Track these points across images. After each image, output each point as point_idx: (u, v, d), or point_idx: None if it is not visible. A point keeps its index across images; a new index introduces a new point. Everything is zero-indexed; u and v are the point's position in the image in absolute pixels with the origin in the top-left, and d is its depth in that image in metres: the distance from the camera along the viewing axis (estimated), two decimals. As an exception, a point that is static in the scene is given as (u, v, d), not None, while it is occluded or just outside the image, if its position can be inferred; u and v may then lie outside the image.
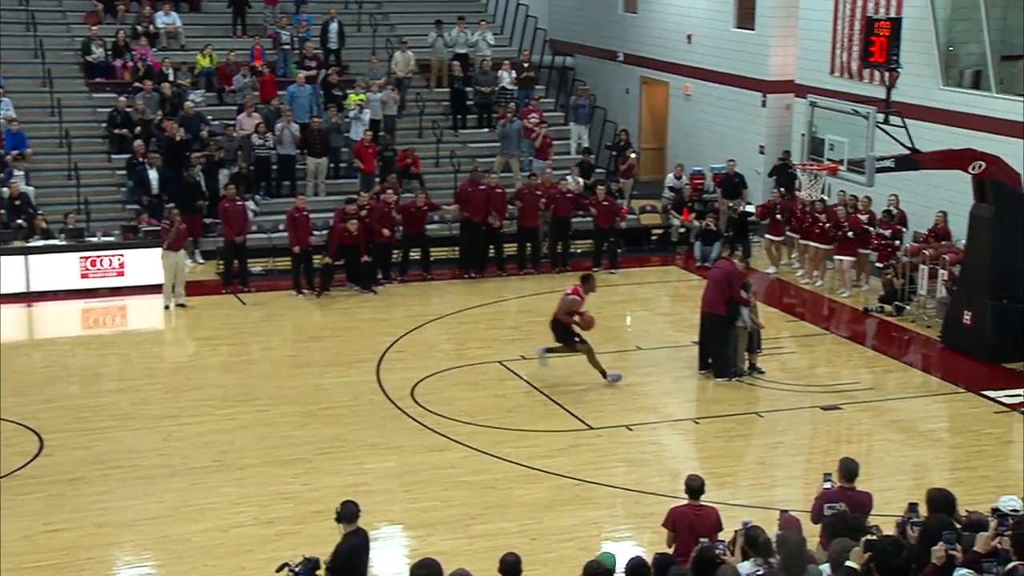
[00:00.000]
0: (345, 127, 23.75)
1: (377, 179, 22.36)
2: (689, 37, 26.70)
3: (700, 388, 16.23)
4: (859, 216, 20.33)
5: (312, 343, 17.89)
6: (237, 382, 16.14)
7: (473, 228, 21.18)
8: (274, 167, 23.14)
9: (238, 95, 24.22)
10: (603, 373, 15.99)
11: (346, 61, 26.39)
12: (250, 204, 21.58)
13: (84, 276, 19.89)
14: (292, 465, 13.38)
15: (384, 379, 16.13)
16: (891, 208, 20.22)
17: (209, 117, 23.75)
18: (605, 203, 21.82)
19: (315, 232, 20.46)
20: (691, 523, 9.56)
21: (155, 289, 19.47)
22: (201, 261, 21.52)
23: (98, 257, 20.02)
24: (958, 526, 8.26)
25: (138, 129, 22.77)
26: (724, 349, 16.14)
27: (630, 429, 14.52)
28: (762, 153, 24.72)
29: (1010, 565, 6.73)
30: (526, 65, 26.47)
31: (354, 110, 23.58)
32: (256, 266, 21.02)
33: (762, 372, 16.37)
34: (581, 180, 23.17)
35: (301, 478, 13.06)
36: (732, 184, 23.65)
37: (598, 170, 25.24)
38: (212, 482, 12.93)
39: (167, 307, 19.14)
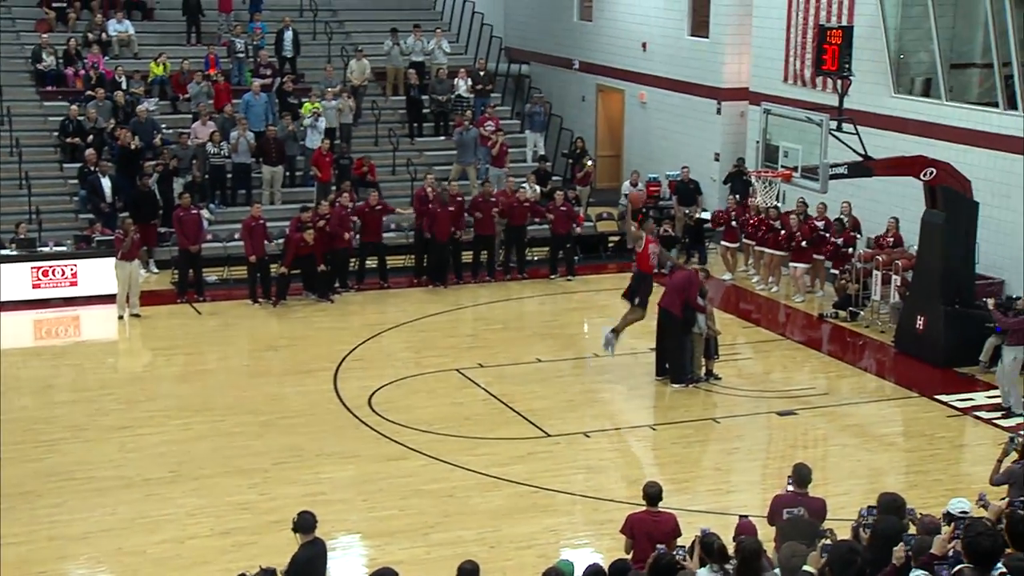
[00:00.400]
0: (301, 135, 23.68)
1: (333, 187, 22.29)
2: (644, 45, 26.84)
3: (657, 395, 16.30)
4: (815, 222, 20.51)
5: (269, 352, 17.81)
6: (193, 392, 16.03)
7: (432, 241, 21.21)
8: (229, 176, 23.02)
9: (192, 103, 24.10)
10: (616, 334, 16.32)
11: (301, 69, 26.31)
12: (205, 213, 21.45)
13: (36, 286, 19.69)
14: (249, 475, 13.30)
15: (341, 388, 16.09)
16: (843, 216, 20.41)
17: (163, 126, 23.59)
18: (563, 208, 21.91)
19: (272, 241, 20.37)
20: (649, 529, 9.60)
21: (109, 299, 19.31)
22: (155, 271, 21.37)
23: (50, 267, 19.84)
24: (912, 529, 8.36)
25: (90, 138, 22.58)
26: (682, 355, 16.22)
27: (588, 436, 14.56)
28: (717, 160, 24.88)
29: (956, 568, 6.82)
30: (482, 73, 26.49)
31: (309, 118, 23.51)
32: (211, 275, 20.90)
33: (719, 378, 16.47)
34: (538, 188, 23.23)
35: (258, 488, 12.99)
36: (687, 191, 23.82)
37: (555, 178, 25.33)
38: (168, 493, 12.83)
39: (121, 317, 18.99)
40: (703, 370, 16.41)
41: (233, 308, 19.70)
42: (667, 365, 16.42)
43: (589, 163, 25.33)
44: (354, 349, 17.71)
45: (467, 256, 21.62)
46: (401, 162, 24.69)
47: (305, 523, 9.14)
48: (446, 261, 21.18)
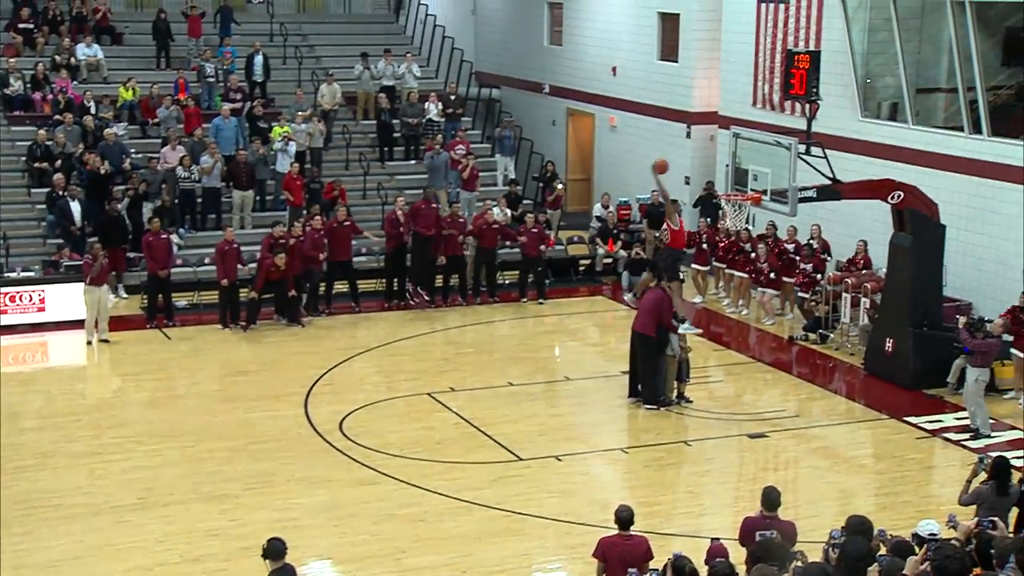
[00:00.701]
0: (271, 159, 23.66)
1: (305, 211, 22.26)
2: (614, 69, 27.01)
3: (629, 417, 16.33)
4: (785, 245, 20.63)
5: (239, 377, 17.74)
6: (162, 418, 15.94)
7: (420, 251, 21.29)
8: (199, 200, 22.97)
9: (162, 128, 24.04)
10: (682, 321, 16.61)
11: (271, 94, 26.31)
12: (174, 238, 21.38)
13: (3, 312, 19.55)
14: (219, 501, 13.23)
15: (312, 413, 16.04)
16: (812, 241, 20.55)
17: (132, 150, 23.52)
18: (534, 230, 21.96)
19: (245, 265, 20.26)
20: (621, 553, 9.61)
21: (77, 325, 19.19)
22: (125, 296, 21.26)
23: (18, 293, 19.71)
24: (883, 550, 8.41)
25: (59, 163, 22.49)
26: (654, 377, 16.27)
27: (559, 459, 14.56)
28: (687, 184, 25.02)
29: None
30: (453, 97, 26.58)
31: (280, 142, 23.51)
32: (181, 300, 20.81)
33: (690, 401, 16.52)
34: (508, 211, 23.28)
35: (228, 514, 12.92)
36: (657, 214, 23.83)
37: (525, 201, 25.38)
38: (136, 520, 12.74)
39: (89, 343, 18.87)
40: (675, 393, 16.46)
41: (203, 333, 19.61)
42: (640, 387, 16.46)
43: (559, 186, 25.42)
44: (325, 374, 17.66)
45: (437, 280, 21.59)
46: (372, 186, 24.70)
47: (274, 550, 9.10)
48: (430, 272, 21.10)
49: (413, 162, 25.83)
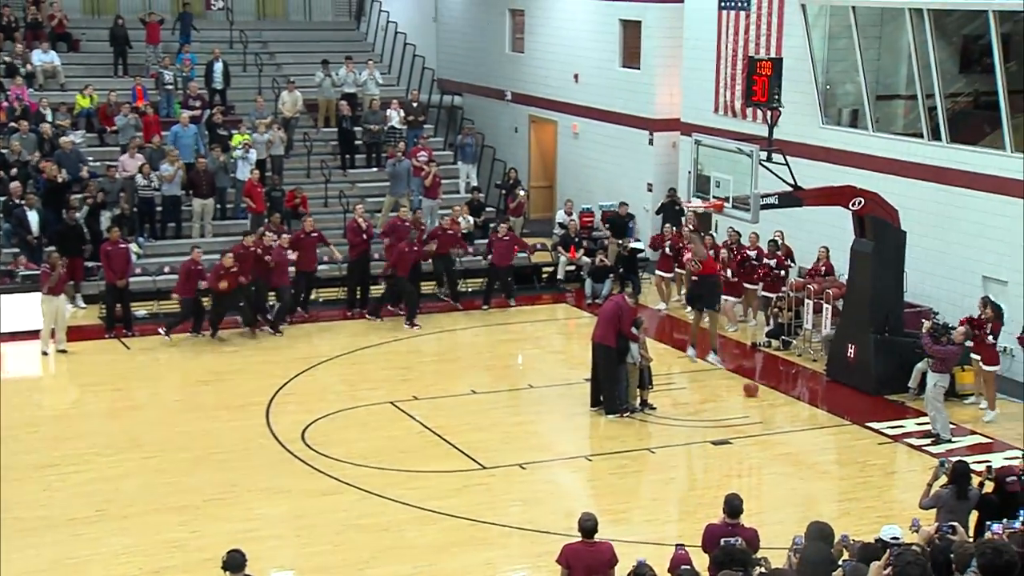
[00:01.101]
0: (231, 167, 23.55)
1: (266, 219, 22.14)
2: (576, 76, 27.08)
3: (593, 425, 16.36)
4: (747, 252, 20.73)
5: (199, 387, 17.62)
6: (121, 429, 15.82)
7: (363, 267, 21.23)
8: (158, 208, 22.82)
9: (120, 136, 23.87)
10: (716, 352, 17.24)
11: (232, 101, 26.19)
12: (133, 247, 21.23)
13: (-41, 322, 19.34)
14: (180, 512, 13.14)
15: (274, 422, 15.96)
16: (776, 239, 20.66)
17: (90, 158, 23.34)
18: (506, 238, 21.92)
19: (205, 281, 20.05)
20: (585, 560, 9.62)
21: (34, 335, 19.01)
22: (83, 305, 21.07)
23: (-27, 302, 19.49)
24: (845, 555, 8.47)
25: (15, 171, 22.27)
26: (615, 385, 16.31)
27: (523, 468, 14.57)
28: (650, 191, 25.11)
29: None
30: (414, 104, 26.56)
31: (240, 150, 23.41)
32: (140, 310, 20.67)
33: (653, 408, 16.57)
34: (471, 219, 23.27)
35: (189, 525, 12.83)
36: (621, 222, 23.91)
37: (488, 209, 25.40)
38: (95, 533, 12.62)
39: (45, 353, 18.70)
40: (638, 400, 16.50)
41: (163, 343, 19.48)
42: (602, 396, 16.49)
43: (522, 194, 25.45)
44: (287, 383, 17.59)
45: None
46: (333, 194, 24.63)
47: (234, 562, 9.05)
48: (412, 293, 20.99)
49: (375, 169, 25.77)
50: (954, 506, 10.47)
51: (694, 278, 17.64)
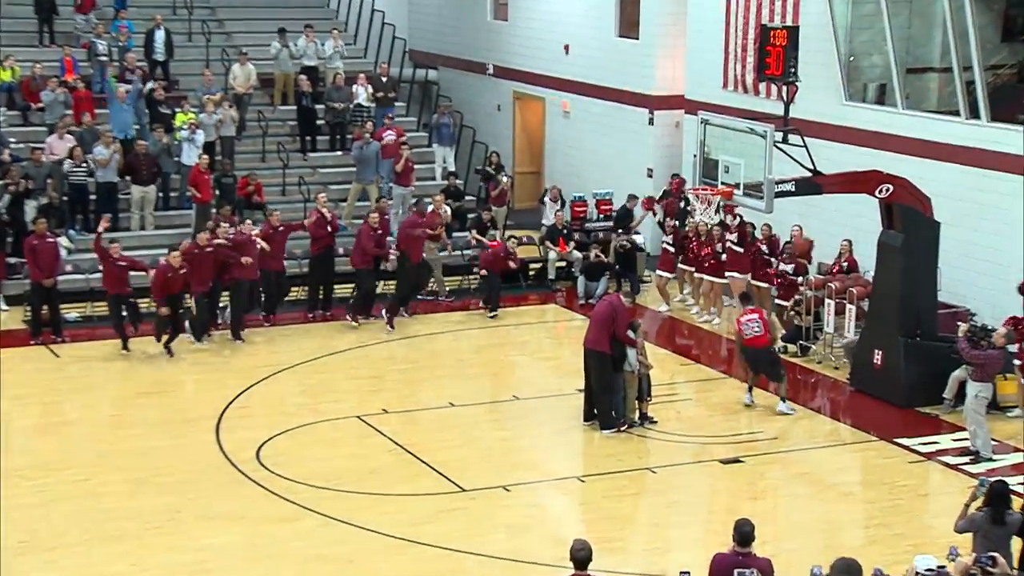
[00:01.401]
0: (175, 150, 23.49)
1: (213, 210, 22.12)
2: (567, 48, 27.09)
3: (586, 441, 16.35)
4: (760, 245, 20.73)
5: (140, 400, 17.56)
6: (50, 447, 15.76)
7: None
8: (92, 197, 22.74)
9: (47, 114, 23.77)
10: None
11: (175, 75, 26.14)
12: (63, 241, 21.16)
13: None
14: (118, 542, 13.09)
15: (225, 440, 15.93)
16: (792, 241, 20.62)
17: (12, 140, 23.25)
18: (493, 246, 21.92)
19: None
20: (579, 596, 9.60)
21: (-49, 341, 18.97)
22: (5, 307, 21.00)
23: None
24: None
25: (-72, 155, 22.21)
26: (611, 396, 16.31)
27: (507, 490, 14.57)
28: (650, 176, 25.13)
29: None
30: (384, 79, 26.54)
31: (185, 131, 23.35)
32: (71, 312, 20.59)
33: (654, 422, 16.58)
34: (448, 208, 23.24)
35: (128, 557, 12.79)
36: (629, 217, 23.66)
37: (467, 198, 25.40)
38: (18, 567, 12.56)
39: (-35, 361, 18.63)
40: (636, 413, 16.51)
41: (97, 349, 19.41)
42: (596, 409, 16.49)
43: (505, 180, 25.46)
44: (240, 395, 17.55)
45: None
46: (292, 181, 24.60)
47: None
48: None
49: (339, 153, 25.75)
50: (989, 531, 10.49)
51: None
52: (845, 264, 19.94)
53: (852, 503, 14.77)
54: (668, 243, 22.03)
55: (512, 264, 22.09)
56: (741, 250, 20.75)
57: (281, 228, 20.76)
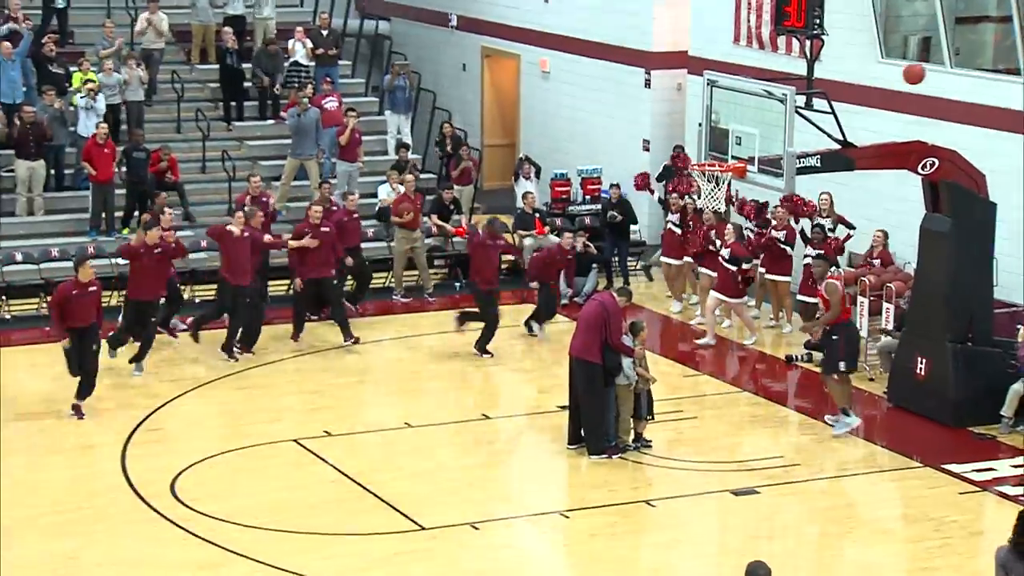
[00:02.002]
0: (71, 118, 23.40)
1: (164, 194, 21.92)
2: (546, -6, 27.14)
3: (571, 469, 16.35)
4: (773, 233, 20.68)
5: (25, 423, 17.42)
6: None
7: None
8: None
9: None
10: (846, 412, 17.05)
11: (71, 26, 26.04)
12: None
13: None
14: (1, 595, 13.05)
15: (132, 469, 15.85)
16: (823, 216, 20.58)
17: None
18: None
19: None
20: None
21: None
22: None
23: None
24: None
25: None
26: (601, 415, 16.29)
27: (476, 528, 14.54)
28: (647, 150, 25.15)
29: None
30: (325, 33, 26.48)
31: (83, 95, 23.25)
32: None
33: (649, 444, 16.59)
34: (402, 187, 23.20)
35: (15, 613, 12.74)
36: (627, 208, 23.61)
37: (426, 175, 25.34)
38: None
39: None
40: (631, 435, 16.51)
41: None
42: (583, 430, 16.48)
43: (468, 155, 25.24)
44: (151, 415, 17.48)
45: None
46: (214, 155, 24.53)
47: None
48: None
49: (271, 122, 25.71)
50: (1015, 568, 10.53)
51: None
52: (876, 261, 19.95)
53: (891, 543, 14.78)
54: (674, 223, 21.93)
55: (574, 253, 21.50)
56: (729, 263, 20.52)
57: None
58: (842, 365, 17.15)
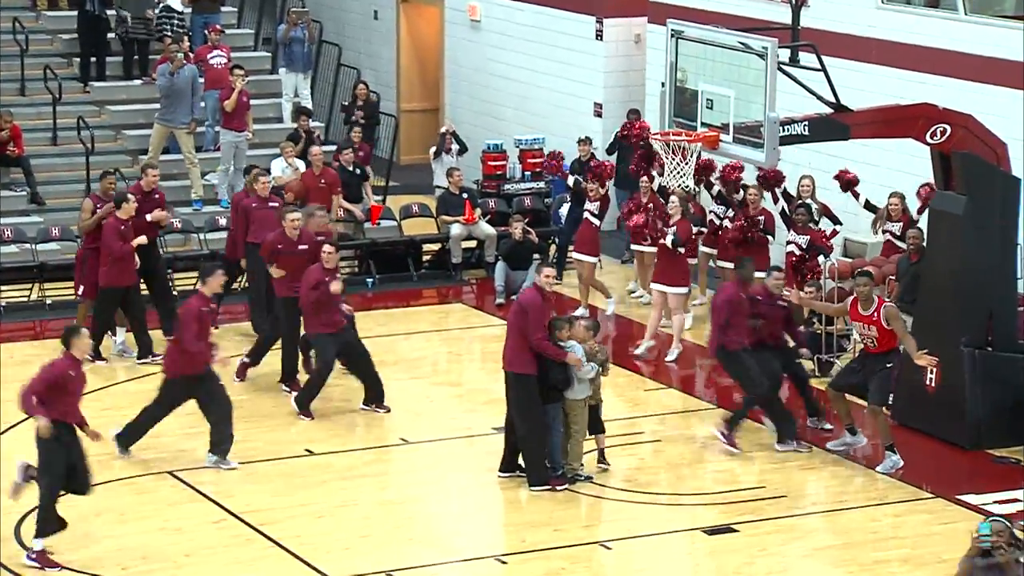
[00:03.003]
0: None
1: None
2: (475, -73, 27.14)
3: (508, 504, 16.43)
4: (749, 215, 20.69)
5: None
6: None
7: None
8: None
9: None
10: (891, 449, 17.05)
11: None
12: None
13: None
14: None
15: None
16: (805, 199, 20.66)
17: None
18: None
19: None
20: None
21: None
22: None
23: None
24: None
25: None
26: (538, 438, 16.26)
27: (393, 578, 14.57)
28: (599, 116, 25.18)
29: None
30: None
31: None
32: None
33: (606, 467, 16.65)
34: (300, 163, 23.13)
35: None
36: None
37: (327, 147, 25.24)
38: None
39: None
40: (581, 462, 16.48)
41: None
42: (521, 457, 16.50)
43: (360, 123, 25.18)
44: (-9, 442, 17.37)
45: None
46: (67, 124, 24.38)
47: None
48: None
49: (138, 83, 25.57)
50: None
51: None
52: (896, 226, 19.86)
53: (897, 589, 14.90)
54: (592, 212, 21.80)
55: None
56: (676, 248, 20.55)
57: (156, 195, 20.49)
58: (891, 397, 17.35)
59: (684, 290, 20.61)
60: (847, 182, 20.46)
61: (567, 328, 16.36)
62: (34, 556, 14.66)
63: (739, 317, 17.36)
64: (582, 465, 16.57)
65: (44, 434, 14.73)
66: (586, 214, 21.96)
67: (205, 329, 16.90)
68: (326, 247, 18.38)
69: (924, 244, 18.79)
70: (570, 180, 22.72)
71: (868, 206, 20.60)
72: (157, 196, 20.48)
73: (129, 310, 19.96)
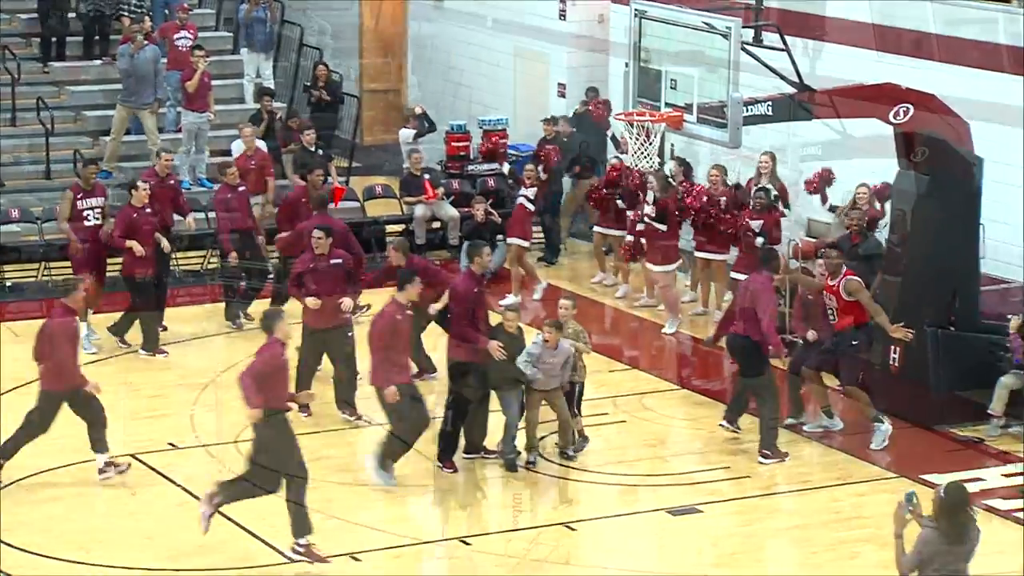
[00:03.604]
0: None
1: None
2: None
3: (471, 486, 16.46)
4: (711, 195, 20.69)
5: None
6: None
7: None
8: None
9: None
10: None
11: None
12: None
13: None
14: None
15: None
16: (765, 184, 20.68)
17: None
18: None
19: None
20: None
21: None
22: None
23: None
24: None
25: None
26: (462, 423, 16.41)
27: (357, 559, 14.52)
28: (562, 96, 25.16)
29: None
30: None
31: None
32: None
33: (584, 442, 16.67)
34: (263, 144, 23.03)
35: None
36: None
37: (291, 126, 25.21)
38: None
39: None
40: (531, 450, 16.49)
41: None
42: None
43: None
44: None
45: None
46: (26, 105, 24.31)
47: None
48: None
49: (99, 63, 25.47)
50: (948, 553, 10.77)
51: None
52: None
53: (860, 568, 14.92)
54: (528, 198, 21.95)
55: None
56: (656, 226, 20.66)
57: (171, 181, 20.67)
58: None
59: (670, 267, 20.75)
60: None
61: (556, 331, 16.39)
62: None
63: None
64: (520, 452, 16.59)
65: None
66: (521, 199, 22.07)
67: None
68: (316, 232, 18.04)
69: (864, 226, 18.86)
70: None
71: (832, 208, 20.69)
72: (172, 181, 20.58)
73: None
